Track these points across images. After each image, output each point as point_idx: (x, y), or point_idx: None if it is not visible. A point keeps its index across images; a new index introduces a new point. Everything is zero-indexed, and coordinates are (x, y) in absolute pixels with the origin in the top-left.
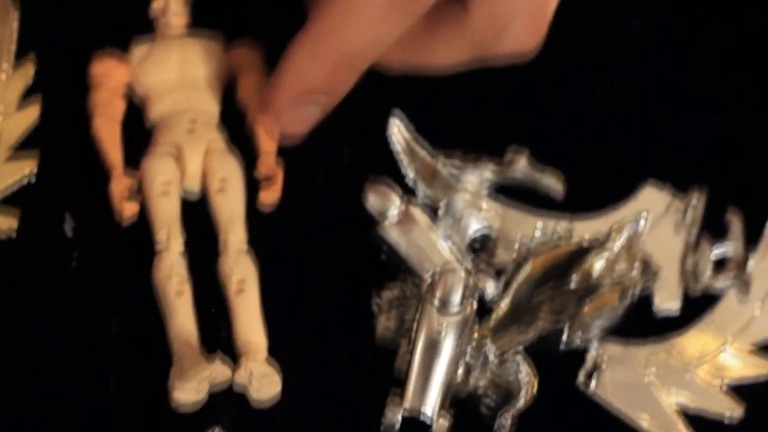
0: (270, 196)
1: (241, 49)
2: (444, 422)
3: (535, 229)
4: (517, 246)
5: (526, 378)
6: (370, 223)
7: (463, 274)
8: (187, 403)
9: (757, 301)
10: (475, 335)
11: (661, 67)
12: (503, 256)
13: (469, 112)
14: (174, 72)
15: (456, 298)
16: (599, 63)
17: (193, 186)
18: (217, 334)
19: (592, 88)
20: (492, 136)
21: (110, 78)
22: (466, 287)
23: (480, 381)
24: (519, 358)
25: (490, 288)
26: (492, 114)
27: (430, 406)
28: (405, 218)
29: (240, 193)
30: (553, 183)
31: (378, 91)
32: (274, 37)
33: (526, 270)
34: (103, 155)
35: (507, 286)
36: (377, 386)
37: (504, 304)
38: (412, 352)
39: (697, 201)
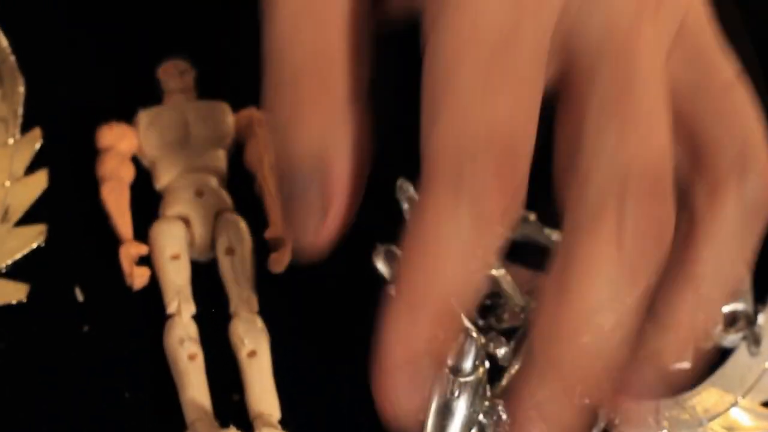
0: (280, 260)
1: (248, 112)
2: None
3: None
4: (526, 306)
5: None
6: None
7: (475, 335)
8: None
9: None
10: (488, 394)
11: None
12: (512, 317)
13: None
14: (181, 134)
15: (469, 361)
16: None
17: (203, 250)
18: (229, 399)
19: None
20: None
21: (119, 144)
22: (478, 350)
23: None
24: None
25: (502, 352)
26: None
27: None
28: None
29: (249, 257)
30: (557, 236)
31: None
32: None
33: None
34: (112, 223)
35: (518, 346)
36: None
37: (516, 365)
38: (425, 417)
39: None
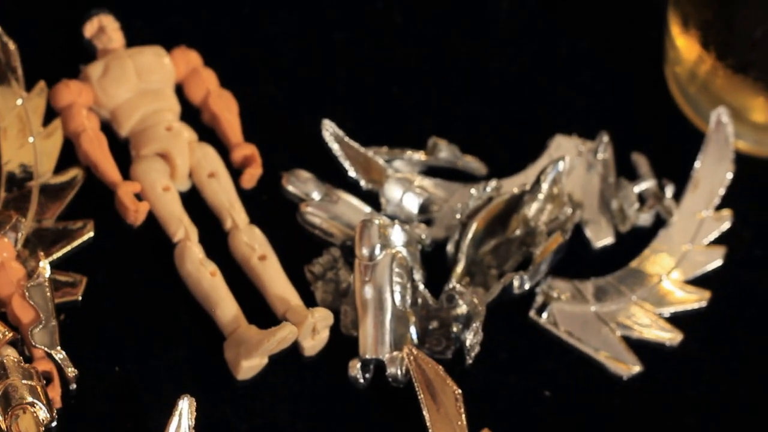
0: (255, 173)
1: (180, 51)
2: (398, 362)
3: (470, 195)
4: (458, 211)
5: (477, 307)
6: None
7: (377, 221)
8: (254, 371)
9: (686, 242)
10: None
11: (533, 39)
12: (446, 225)
13: (376, 113)
14: (134, 80)
15: (374, 242)
16: (482, 42)
17: (184, 179)
18: (247, 304)
19: (483, 67)
20: (403, 131)
21: (78, 99)
22: (380, 232)
23: (432, 322)
24: (466, 293)
25: (424, 232)
26: (399, 111)
27: (379, 350)
28: (327, 197)
29: (229, 178)
30: (473, 162)
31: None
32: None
33: (471, 228)
34: (99, 170)
35: (457, 247)
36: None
37: (459, 265)
38: (354, 307)
39: (604, 141)
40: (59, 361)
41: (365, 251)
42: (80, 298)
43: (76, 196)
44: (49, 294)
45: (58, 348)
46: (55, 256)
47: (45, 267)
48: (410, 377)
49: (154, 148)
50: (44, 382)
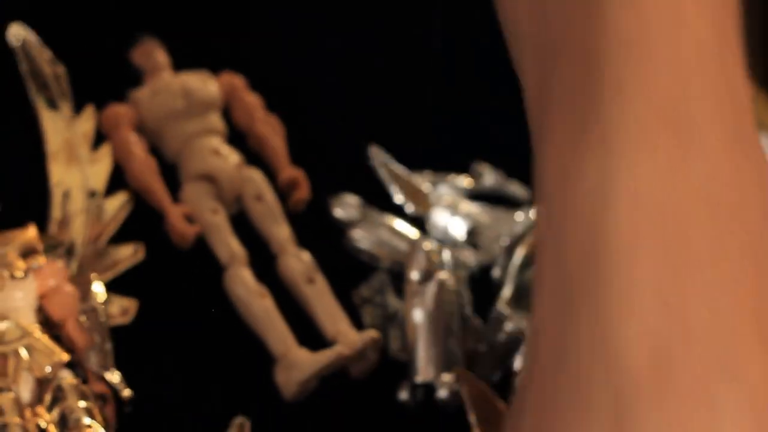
0: (302, 194)
1: (227, 76)
2: (448, 384)
3: (514, 220)
4: (504, 235)
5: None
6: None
7: (424, 244)
8: (304, 393)
9: None
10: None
11: None
12: (491, 250)
13: (421, 138)
14: (181, 103)
15: (424, 265)
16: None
17: (231, 202)
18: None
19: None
20: (447, 157)
21: (127, 122)
22: (429, 256)
23: (480, 345)
24: (514, 317)
25: (470, 257)
26: (443, 137)
27: (430, 372)
28: (373, 221)
29: (276, 201)
30: (519, 188)
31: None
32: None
33: (517, 253)
34: (150, 196)
35: (504, 271)
36: None
37: (505, 289)
38: (403, 331)
39: None
40: (113, 384)
41: (415, 274)
42: (131, 320)
43: (126, 219)
44: (103, 317)
45: (113, 370)
46: (107, 279)
47: (98, 291)
48: (460, 400)
49: (202, 172)
50: (101, 402)
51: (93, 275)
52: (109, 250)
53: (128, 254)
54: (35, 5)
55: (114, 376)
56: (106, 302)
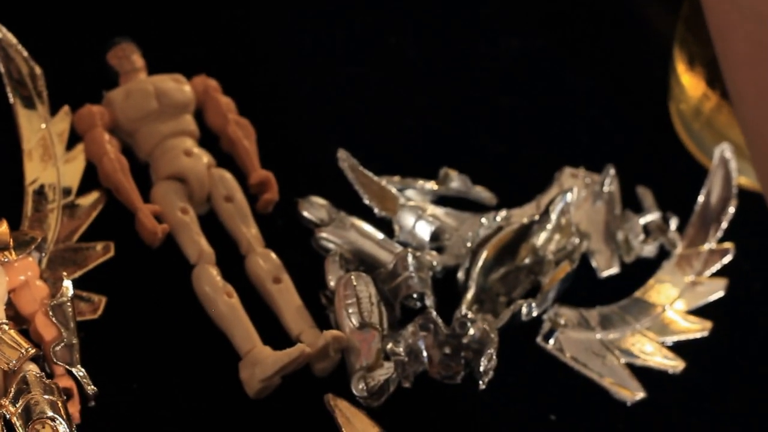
0: (271, 198)
1: (200, 79)
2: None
3: (480, 224)
4: (469, 239)
5: (490, 335)
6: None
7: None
8: (267, 390)
9: (689, 274)
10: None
11: (542, 77)
12: (458, 251)
13: (390, 143)
14: (155, 106)
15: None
16: (493, 78)
17: (202, 203)
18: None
19: (494, 101)
20: (415, 161)
21: (101, 122)
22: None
23: (445, 348)
24: (477, 320)
25: (435, 260)
26: (412, 142)
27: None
28: (341, 223)
29: (246, 202)
30: (484, 192)
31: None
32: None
33: (481, 257)
34: (121, 195)
35: (468, 274)
36: None
37: (469, 292)
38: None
39: (610, 174)
40: (79, 378)
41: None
42: (100, 316)
43: (97, 217)
44: (71, 313)
45: (79, 366)
46: (77, 275)
47: (68, 286)
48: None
49: (173, 172)
50: (65, 397)
51: (63, 272)
52: (80, 248)
53: (98, 252)
54: (11, 5)
55: (80, 372)
56: (74, 298)
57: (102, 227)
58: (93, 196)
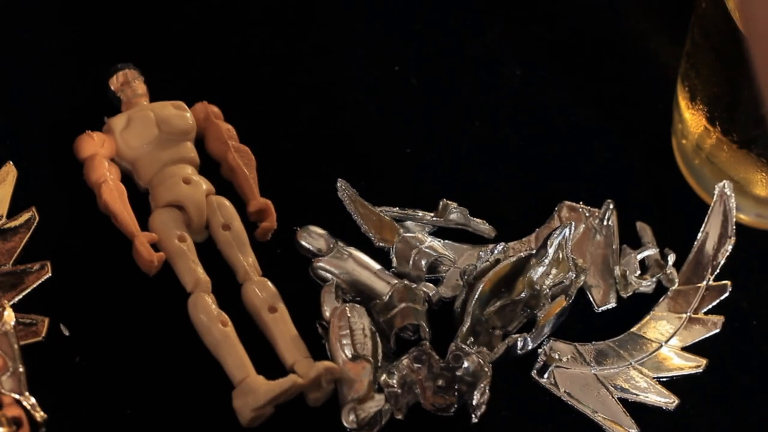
0: (270, 227)
1: (201, 106)
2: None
3: (478, 256)
4: (466, 271)
5: (484, 368)
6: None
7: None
8: (260, 420)
9: (686, 310)
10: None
11: (544, 109)
12: (454, 283)
13: (389, 174)
14: (155, 133)
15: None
16: (494, 109)
17: (200, 230)
18: (257, 355)
19: (496, 134)
20: (415, 193)
21: (101, 150)
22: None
23: (438, 380)
24: (472, 353)
25: (432, 291)
26: (412, 173)
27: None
28: (339, 253)
29: (244, 231)
30: (482, 225)
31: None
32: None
33: (478, 289)
34: (119, 221)
35: (464, 306)
36: None
37: (464, 324)
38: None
39: (609, 209)
40: (28, 407)
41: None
42: (43, 338)
43: (95, 245)
44: (15, 341)
45: (27, 394)
46: (16, 299)
47: (10, 315)
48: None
49: (171, 200)
50: (15, 427)
51: (3, 300)
52: (17, 270)
53: (35, 273)
54: (16, 29)
55: (28, 401)
56: (16, 325)
57: (101, 255)
58: (25, 217)
